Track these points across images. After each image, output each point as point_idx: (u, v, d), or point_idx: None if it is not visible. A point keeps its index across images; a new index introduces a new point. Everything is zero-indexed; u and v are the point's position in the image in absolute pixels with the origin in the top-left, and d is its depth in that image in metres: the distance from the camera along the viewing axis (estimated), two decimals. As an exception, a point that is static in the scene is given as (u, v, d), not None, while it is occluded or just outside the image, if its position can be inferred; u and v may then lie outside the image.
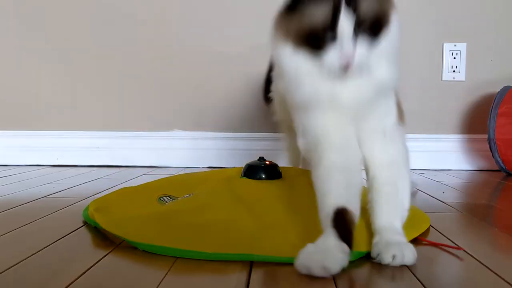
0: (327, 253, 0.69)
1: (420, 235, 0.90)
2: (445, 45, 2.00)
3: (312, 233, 0.86)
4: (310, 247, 0.71)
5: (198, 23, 2.04)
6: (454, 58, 2.01)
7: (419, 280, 0.68)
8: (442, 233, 0.94)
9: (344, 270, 0.71)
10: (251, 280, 0.68)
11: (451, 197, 1.37)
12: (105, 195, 1.17)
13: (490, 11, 2.00)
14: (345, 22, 0.69)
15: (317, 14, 0.70)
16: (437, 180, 1.69)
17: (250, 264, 0.75)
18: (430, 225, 0.98)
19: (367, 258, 0.77)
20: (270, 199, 1.05)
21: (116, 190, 1.23)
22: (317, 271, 0.67)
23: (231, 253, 0.77)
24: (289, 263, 0.74)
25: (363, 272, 0.73)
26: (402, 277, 0.69)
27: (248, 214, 0.94)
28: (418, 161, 2.02)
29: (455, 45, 2.01)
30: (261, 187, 1.14)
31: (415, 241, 0.87)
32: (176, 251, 0.79)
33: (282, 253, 0.77)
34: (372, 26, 0.72)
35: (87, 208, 1.05)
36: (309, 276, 0.70)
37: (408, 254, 0.71)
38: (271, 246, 0.79)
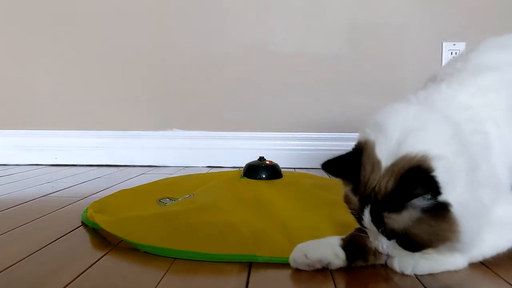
0: (317, 245, 0.71)
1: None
2: (444, 44, 1.99)
3: (315, 232, 0.86)
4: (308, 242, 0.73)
5: (198, 23, 2.03)
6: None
7: (419, 280, 0.67)
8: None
9: (344, 270, 0.71)
10: (250, 281, 0.68)
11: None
12: (104, 198, 1.16)
13: (489, 10, 2.00)
14: (370, 225, 0.67)
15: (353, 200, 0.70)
16: (437, 179, 1.69)
17: (249, 265, 0.74)
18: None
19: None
20: (271, 199, 1.05)
21: (115, 192, 1.22)
22: (299, 258, 0.69)
23: (233, 254, 0.77)
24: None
25: (363, 272, 0.73)
26: (402, 277, 0.69)
27: (249, 215, 0.94)
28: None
29: (454, 44, 2.00)
30: (262, 187, 1.14)
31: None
32: (177, 252, 0.78)
33: (285, 253, 0.76)
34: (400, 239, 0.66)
35: (86, 211, 1.04)
36: (308, 277, 0.70)
37: None
38: (273, 247, 0.78)
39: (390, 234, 0.65)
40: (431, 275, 0.69)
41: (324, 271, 0.71)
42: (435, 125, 0.67)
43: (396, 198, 0.63)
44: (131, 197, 1.18)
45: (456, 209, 0.62)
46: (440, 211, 0.62)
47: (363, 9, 2.00)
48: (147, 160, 2.07)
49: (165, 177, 1.52)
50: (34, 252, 0.80)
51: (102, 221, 0.92)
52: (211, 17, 2.03)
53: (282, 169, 1.34)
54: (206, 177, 1.45)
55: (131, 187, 1.31)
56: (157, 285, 0.66)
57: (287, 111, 2.05)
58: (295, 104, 2.04)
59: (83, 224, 0.99)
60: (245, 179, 1.21)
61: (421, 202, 0.62)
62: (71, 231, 0.94)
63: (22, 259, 0.76)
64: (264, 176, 1.20)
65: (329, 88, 2.03)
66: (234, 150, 2.03)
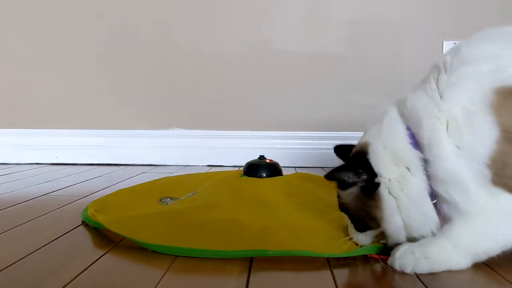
0: None
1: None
2: (444, 43, 1.99)
3: (317, 228, 0.86)
4: None
5: (199, 22, 2.03)
6: (454, 56, 2.00)
7: (420, 280, 0.67)
8: (442, 231, 0.93)
9: (345, 270, 0.71)
10: (250, 280, 0.68)
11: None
12: (104, 197, 1.16)
13: (489, 9, 1.99)
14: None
15: None
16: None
17: (249, 263, 0.74)
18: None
19: (367, 258, 0.77)
20: (271, 197, 1.05)
21: (115, 191, 1.22)
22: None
23: (242, 250, 0.77)
24: (295, 263, 0.74)
25: (363, 272, 0.73)
26: (403, 277, 0.69)
27: (251, 212, 0.94)
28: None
29: (454, 43, 2.00)
30: (262, 184, 1.14)
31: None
32: (184, 250, 0.78)
33: (292, 247, 0.76)
34: None
35: (86, 209, 1.04)
36: (309, 276, 0.70)
37: None
38: (280, 242, 0.78)
39: (342, 209, 0.81)
40: (432, 275, 0.69)
41: (324, 271, 0.71)
42: (385, 121, 0.82)
43: (341, 175, 0.78)
44: (131, 196, 1.18)
45: (383, 190, 0.74)
46: (373, 191, 0.75)
47: (364, 8, 2.00)
48: (147, 159, 2.07)
49: (165, 176, 1.52)
50: (35, 251, 0.80)
51: (105, 220, 0.92)
52: (212, 16, 2.03)
53: (282, 168, 1.34)
54: (206, 176, 1.45)
55: (132, 186, 1.31)
56: (158, 283, 0.66)
57: (287, 110, 2.04)
58: (295, 103, 2.04)
59: (84, 222, 0.99)
60: (246, 177, 1.20)
61: (360, 182, 0.76)
62: (72, 229, 0.94)
63: (23, 258, 0.76)
64: (264, 174, 1.20)
65: (330, 87, 2.03)
66: (235, 149, 2.03)
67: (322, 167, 2.00)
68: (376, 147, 0.77)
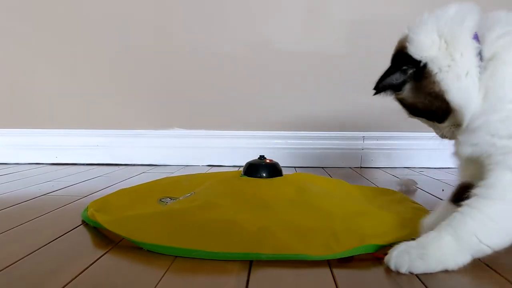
0: None
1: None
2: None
3: (317, 228, 0.86)
4: None
5: (199, 22, 2.03)
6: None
7: (420, 280, 0.67)
8: (442, 231, 0.93)
9: (345, 269, 0.70)
10: (250, 280, 0.68)
11: (451, 195, 1.36)
12: (104, 196, 1.16)
13: (489, 9, 1.99)
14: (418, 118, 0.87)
15: None
16: (437, 178, 1.69)
17: (249, 263, 0.74)
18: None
19: (368, 256, 0.77)
20: (271, 197, 1.05)
21: (115, 191, 1.22)
22: None
23: (237, 252, 0.77)
24: (294, 262, 0.74)
25: (363, 272, 0.72)
26: (403, 278, 0.69)
27: (249, 213, 0.94)
28: (418, 160, 2.02)
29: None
30: (262, 185, 1.14)
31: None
32: (181, 251, 0.78)
33: (289, 250, 0.76)
34: None
35: (86, 209, 1.04)
36: (308, 275, 0.69)
37: None
38: (276, 244, 0.78)
39: (413, 113, 0.83)
40: (432, 275, 0.69)
41: (324, 271, 0.71)
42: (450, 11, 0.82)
43: (388, 81, 0.81)
44: (131, 196, 1.18)
45: (431, 64, 0.76)
46: (423, 72, 0.77)
47: (364, 8, 2.00)
48: (147, 159, 2.07)
49: (165, 177, 1.52)
50: (34, 251, 0.80)
51: (104, 220, 0.92)
52: (212, 16, 2.03)
53: (282, 168, 1.33)
54: (206, 176, 1.45)
55: (132, 186, 1.31)
56: (158, 283, 0.66)
57: (288, 110, 2.05)
58: (295, 102, 2.04)
59: (84, 222, 0.99)
60: (246, 177, 1.20)
61: (410, 75, 0.78)
62: (72, 229, 0.94)
63: (22, 258, 0.76)
64: (264, 174, 1.20)
65: (330, 87, 2.03)
66: (235, 148, 2.03)
67: (322, 167, 2.00)
68: (418, 31, 0.79)
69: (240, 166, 1.94)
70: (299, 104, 2.04)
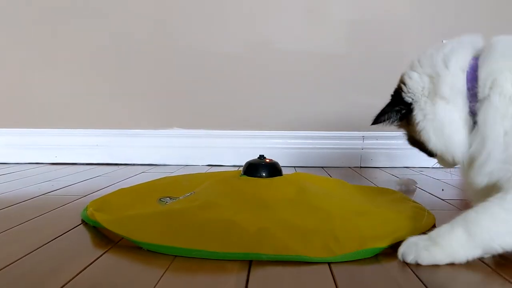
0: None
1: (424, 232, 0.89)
2: (445, 42, 1.99)
3: (316, 229, 0.86)
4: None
5: (199, 21, 2.03)
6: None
7: (419, 279, 0.67)
8: (442, 231, 0.93)
9: (344, 269, 0.70)
10: (250, 279, 0.68)
11: (451, 194, 1.37)
12: (104, 196, 1.16)
13: (489, 8, 1.99)
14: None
15: None
16: (437, 178, 1.69)
17: (249, 263, 0.74)
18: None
19: (369, 258, 0.77)
20: (271, 196, 1.05)
21: (115, 191, 1.22)
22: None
23: (237, 252, 0.77)
24: (294, 262, 0.74)
25: (363, 271, 0.72)
26: (402, 277, 0.69)
27: (250, 213, 0.94)
28: (418, 159, 2.02)
29: (455, 42, 2.00)
30: (262, 184, 1.14)
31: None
32: (181, 250, 0.78)
33: (288, 251, 0.76)
34: None
35: (86, 209, 1.04)
36: (308, 275, 0.69)
37: None
38: (276, 245, 0.78)
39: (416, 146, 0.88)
40: (432, 274, 0.69)
41: (324, 270, 0.71)
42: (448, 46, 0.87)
43: (381, 118, 0.89)
44: (131, 195, 1.18)
45: (415, 111, 0.81)
46: (410, 116, 0.83)
47: (364, 8, 2.00)
48: (147, 159, 2.07)
49: (165, 176, 1.52)
50: (34, 250, 0.80)
51: (104, 219, 0.92)
52: (212, 16, 2.03)
53: (282, 168, 1.33)
54: (206, 176, 1.45)
55: (131, 185, 1.31)
56: (157, 283, 0.65)
57: (287, 110, 2.05)
58: (295, 102, 2.04)
59: (83, 222, 0.99)
60: (245, 177, 1.20)
61: (400, 115, 0.86)
62: (71, 229, 0.94)
63: (22, 257, 0.76)
64: (264, 174, 1.20)
65: (330, 86, 2.03)
66: (234, 148, 2.03)
67: (322, 167, 2.00)
68: (412, 72, 0.83)
69: (240, 166, 1.94)
70: (299, 104, 2.04)
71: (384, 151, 2.04)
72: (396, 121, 0.86)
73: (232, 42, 2.03)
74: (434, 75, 0.79)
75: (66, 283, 0.65)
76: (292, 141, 2.05)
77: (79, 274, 0.68)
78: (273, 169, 1.22)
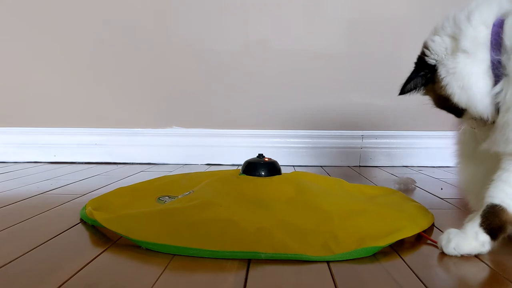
0: (464, 238, 0.77)
1: (423, 231, 0.89)
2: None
3: (314, 228, 0.85)
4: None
5: (197, 20, 2.03)
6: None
7: (418, 278, 0.67)
8: (441, 229, 0.94)
9: (344, 268, 0.70)
10: (248, 278, 0.67)
11: (450, 193, 1.37)
12: (102, 195, 1.16)
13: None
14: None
15: None
16: (436, 177, 1.69)
17: (248, 262, 0.74)
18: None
19: (368, 257, 0.77)
20: (270, 195, 1.05)
21: (114, 190, 1.22)
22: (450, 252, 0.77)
23: (235, 251, 0.77)
24: (293, 260, 0.74)
25: (362, 270, 0.72)
26: (402, 276, 0.69)
27: (248, 212, 0.94)
28: (417, 158, 2.02)
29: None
30: (261, 183, 1.14)
31: (418, 238, 0.87)
32: (179, 249, 0.78)
33: (287, 249, 0.76)
34: None
35: (84, 207, 1.04)
36: (307, 274, 0.69)
37: None
38: (274, 244, 0.78)
39: (435, 105, 0.88)
40: (432, 274, 0.69)
41: (323, 269, 0.71)
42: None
43: (408, 87, 0.87)
44: (130, 195, 1.18)
45: (440, 69, 0.81)
46: (435, 76, 0.82)
47: (362, 6, 2.00)
48: (146, 158, 2.07)
49: (164, 175, 1.52)
50: (33, 249, 0.79)
51: (102, 218, 0.92)
52: (210, 14, 2.03)
53: (281, 167, 1.33)
54: (205, 175, 1.45)
55: (130, 184, 1.31)
56: (156, 281, 0.65)
57: (286, 109, 2.05)
58: (294, 101, 2.04)
59: (82, 221, 0.99)
60: (244, 176, 1.20)
61: (426, 79, 0.85)
62: (70, 228, 0.94)
63: (21, 256, 0.76)
64: (263, 173, 1.20)
65: (329, 85, 2.03)
66: (233, 147, 2.03)
67: (321, 166, 2.01)
68: (434, 35, 0.85)
69: (239, 165, 1.94)
70: (297, 103, 2.04)
71: (383, 150, 2.04)
72: (421, 87, 0.86)
73: (231, 41, 2.03)
74: (456, 32, 0.80)
75: (65, 282, 0.65)
76: (291, 140, 2.05)
77: (78, 273, 0.68)
78: (272, 168, 1.22)
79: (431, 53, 0.83)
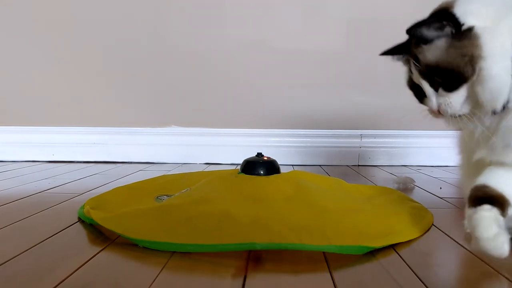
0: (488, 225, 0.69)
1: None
2: None
3: (313, 226, 0.85)
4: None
5: (196, 19, 2.02)
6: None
7: (418, 278, 0.67)
8: (440, 228, 0.94)
9: (343, 271, 0.70)
10: (247, 277, 0.67)
11: (449, 193, 1.37)
12: (100, 194, 1.16)
13: None
14: (423, 80, 0.79)
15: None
16: (435, 176, 1.69)
17: (247, 261, 0.74)
18: (428, 221, 0.98)
19: (367, 256, 0.77)
20: (269, 193, 1.05)
21: (112, 189, 1.22)
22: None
23: (231, 244, 0.77)
24: (290, 249, 0.74)
25: (362, 272, 0.72)
26: (402, 276, 0.69)
27: (246, 206, 0.94)
28: (416, 158, 2.02)
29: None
30: (260, 182, 1.14)
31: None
32: (176, 246, 0.78)
33: (283, 239, 0.76)
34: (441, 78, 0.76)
35: (82, 207, 1.04)
36: (306, 276, 0.69)
37: None
38: (270, 234, 0.78)
39: (426, 72, 0.77)
40: (431, 273, 0.69)
41: (322, 268, 0.71)
42: None
43: (424, 30, 0.78)
44: (128, 194, 1.18)
45: (478, 29, 0.71)
46: (464, 34, 0.72)
47: (362, 5, 1.99)
48: (144, 157, 2.07)
49: (163, 174, 1.51)
50: (31, 248, 0.79)
51: (99, 217, 0.92)
52: (209, 13, 2.02)
53: (280, 166, 1.33)
54: (203, 174, 1.45)
55: (128, 183, 1.30)
56: (154, 280, 0.65)
57: (285, 108, 2.04)
58: (293, 100, 2.04)
59: (80, 220, 0.99)
60: (243, 175, 1.20)
61: (447, 32, 0.75)
62: (68, 227, 0.94)
63: (19, 254, 0.76)
64: (262, 172, 1.20)
65: (328, 85, 2.03)
66: (232, 146, 2.03)
67: (319, 165, 2.00)
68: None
69: (237, 164, 1.94)
70: (296, 102, 2.04)
71: (382, 150, 2.04)
72: (438, 38, 0.76)
73: (230, 40, 2.03)
74: (496, 10, 0.73)
75: (63, 280, 0.65)
76: (290, 139, 2.04)
77: (75, 272, 0.68)
78: (271, 167, 1.22)
79: (463, 12, 0.74)
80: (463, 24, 0.73)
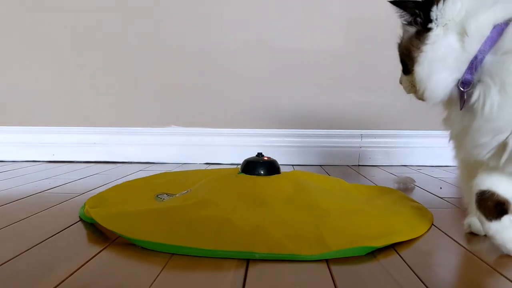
0: None
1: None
2: None
3: (312, 224, 0.85)
4: None
5: (196, 19, 2.02)
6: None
7: (418, 278, 0.67)
8: (440, 228, 0.93)
9: (342, 268, 0.70)
10: (247, 277, 0.67)
11: (449, 192, 1.37)
12: (100, 192, 1.16)
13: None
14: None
15: None
16: (435, 176, 1.69)
17: (247, 260, 0.74)
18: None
19: (367, 256, 0.77)
20: (269, 194, 1.05)
21: (112, 187, 1.22)
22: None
23: (231, 250, 0.77)
24: (289, 260, 0.74)
25: (361, 268, 0.72)
26: (401, 275, 0.69)
27: (245, 211, 0.93)
28: (416, 158, 2.02)
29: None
30: (260, 182, 1.13)
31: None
32: (175, 248, 0.78)
33: (282, 249, 0.76)
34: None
35: (83, 207, 1.04)
36: (306, 273, 0.69)
37: None
38: (270, 244, 0.78)
39: (400, 53, 0.84)
40: (431, 273, 0.69)
41: (322, 267, 0.71)
42: None
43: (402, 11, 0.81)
44: (128, 192, 1.17)
45: (432, 35, 0.76)
46: (423, 33, 0.77)
47: (362, 5, 1.99)
48: (144, 157, 2.06)
49: (163, 172, 1.51)
50: (32, 247, 0.79)
51: (99, 216, 0.92)
52: (209, 14, 2.02)
53: (280, 166, 1.33)
54: (203, 173, 1.44)
55: (128, 181, 1.30)
56: (155, 280, 0.65)
57: (285, 108, 2.04)
58: (293, 100, 2.04)
59: (81, 220, 0.99)
60: (243, 175, 1.20)
61: (414, 24, 0.79)
62: (68, 226, 0.94)
63: (20, 254, 0.76)
64: (262, 172, 1.20)
65: (328, 85, 2.03)
66: (232, 146, 2.03)
67: (320, 165, 2.00)
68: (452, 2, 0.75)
69: (237, 164, 1.93)
70: (297, 102, 2.04)
71: (382, 149, 2.04)
72: (411, 25, 0.80)
73: (229, 40, 2.03)
74: (472, 13, 0.74)
75: (63, 281, 0.65)
76: (290, 139, 2.04)
77: (75, 272, 0.68)
78: (271, 167, 1.22)
79: (440, 12, 0.76)
80: (431, 21, 0.77)
